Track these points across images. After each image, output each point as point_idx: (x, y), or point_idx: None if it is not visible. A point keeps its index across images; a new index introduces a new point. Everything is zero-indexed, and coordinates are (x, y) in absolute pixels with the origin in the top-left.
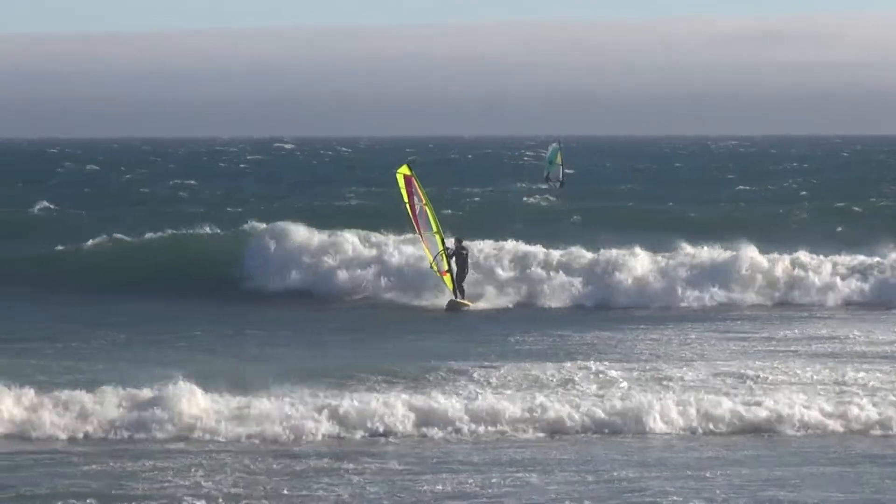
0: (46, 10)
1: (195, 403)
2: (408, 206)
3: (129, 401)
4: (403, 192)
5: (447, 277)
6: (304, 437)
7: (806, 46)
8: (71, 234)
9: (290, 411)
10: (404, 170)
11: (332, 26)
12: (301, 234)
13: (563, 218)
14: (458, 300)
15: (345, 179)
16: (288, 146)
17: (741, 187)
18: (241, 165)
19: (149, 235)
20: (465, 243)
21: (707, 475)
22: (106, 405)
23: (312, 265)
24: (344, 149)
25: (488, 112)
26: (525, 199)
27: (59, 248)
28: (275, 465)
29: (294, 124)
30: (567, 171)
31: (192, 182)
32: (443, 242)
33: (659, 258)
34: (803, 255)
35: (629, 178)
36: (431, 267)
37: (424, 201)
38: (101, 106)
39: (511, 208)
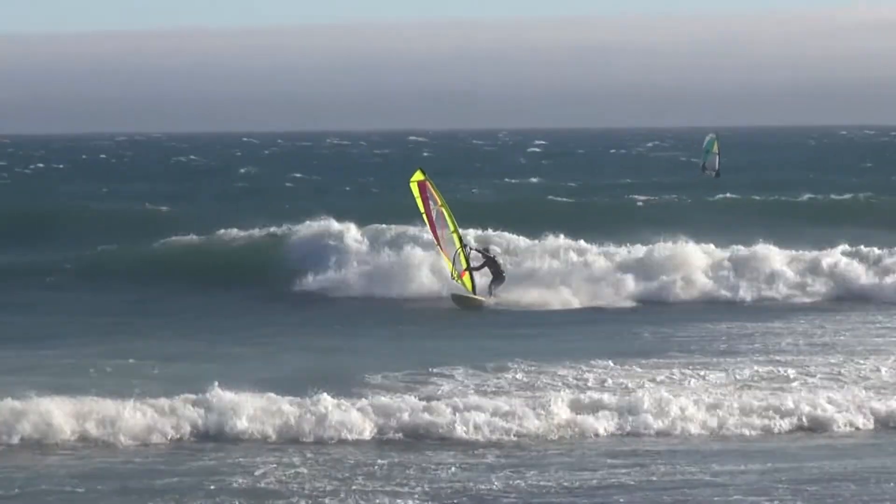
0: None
1: (276, 402)
2: (425, 216)
3: (224, 399)
4: (418, 201)
5: (466, 278)
6: (389, 433)
7: None
8: (175, 228)
9: (380, 409)
10: (417, 176)
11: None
12: (388, 231)
13: (688, 212)
14: (469, 296)
15: (474, 172)
16: (421, 139)
17: (870, 178)
18: (372, 160)
19: (239, 231)
20: (493, 248)
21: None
22: (203, 404)
23: (395, 263)
24: (476, 141)
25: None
26: (634, 196)
27: (156, 244)
28: (373, 461)
29: (428, 117)
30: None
31: (317, 177)
32: (461, 240)
33: (789, 252)
34: None
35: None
36: (452, 277)
37: (440, 202)
38: (231, 102)
39: (627, 205)
